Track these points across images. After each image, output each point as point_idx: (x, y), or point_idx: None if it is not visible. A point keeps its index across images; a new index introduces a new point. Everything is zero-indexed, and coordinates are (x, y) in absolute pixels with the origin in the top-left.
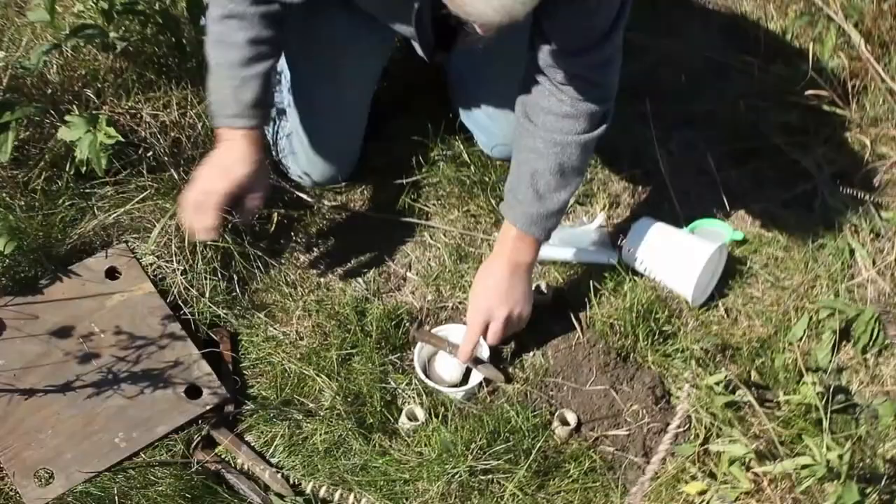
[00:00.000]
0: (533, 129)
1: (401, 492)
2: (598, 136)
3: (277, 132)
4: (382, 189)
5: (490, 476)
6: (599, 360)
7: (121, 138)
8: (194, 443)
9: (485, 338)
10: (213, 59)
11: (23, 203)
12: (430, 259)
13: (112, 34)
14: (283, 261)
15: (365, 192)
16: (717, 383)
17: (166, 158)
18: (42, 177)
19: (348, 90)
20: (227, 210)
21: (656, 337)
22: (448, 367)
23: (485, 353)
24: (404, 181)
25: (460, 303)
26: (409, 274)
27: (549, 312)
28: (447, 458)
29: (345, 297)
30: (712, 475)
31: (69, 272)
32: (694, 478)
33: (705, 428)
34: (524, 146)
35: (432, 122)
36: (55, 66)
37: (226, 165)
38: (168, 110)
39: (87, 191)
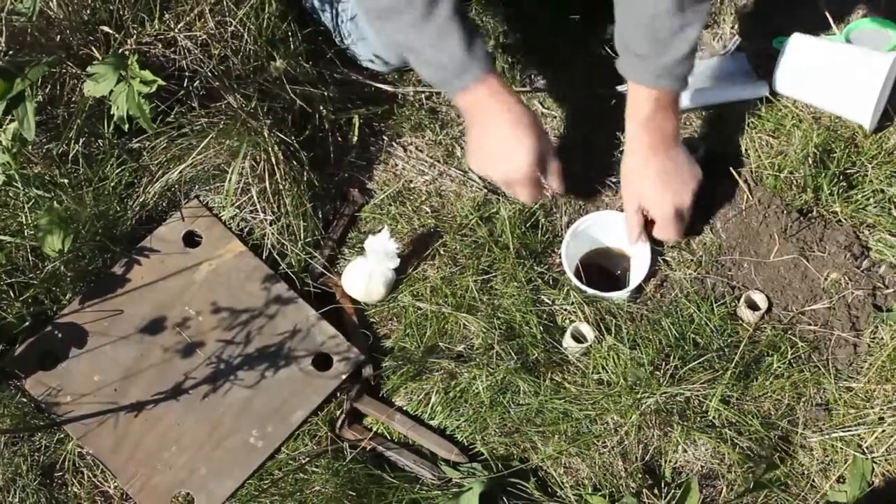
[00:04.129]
0: None
1: (589, 432)
2: None
3: (338, 17)
4: None
5: (689, 393)
6: (779, 223)
7: (161, 81)
8: (339, 422)
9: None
10: (397, 38)
11: (66, 181)
12: (551, 132)
13: None
14: (376, 172)
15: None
16: None
17: (217, 84)
18: (80, 141)
19: None
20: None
21: (840, 182)
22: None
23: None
24: (500, 40)
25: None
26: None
27: (706, 174)
28: (636, 385)
29: (461, 202)
30: None
31: (142, 250)
32: None
33: None
34: None
35: None
36: (56, 1)
37: (501, 151)
38: (203, 21)
39: (135, 146)
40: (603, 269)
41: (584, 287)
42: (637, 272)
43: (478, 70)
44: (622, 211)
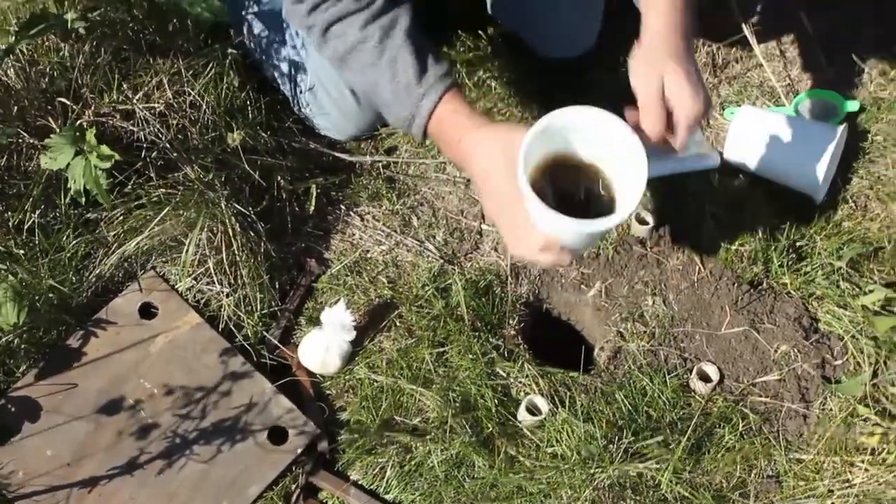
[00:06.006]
0: None
1: None
2: None
3: (297, 86)
4: None
5: (642, 467)
6: (730, 295)
7: (118, 156)
8: (294, 496)
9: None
10: (354, 80)
11: (22, 252)
12: None
13: (70, 16)
14: (334, 242)
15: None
16: (874, 302)
17: (174, 155)
18: (36, 212)
19: None
20: None
21: (790, 254)
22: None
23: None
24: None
25: None
26: (484, 226)
27: (658, 244)
28: (589, 461)
29: (418, 272)
30: (890, 415)
31: (98, 322)
32: (867, 420)
33: (868, 357)
34: None
35: (471, 36)
36: (13, 70)
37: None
38: (161, 91)
39: (92, 217)
40: (561, 193)
41: (548, 210)
42: (627, 194)
43: (434, 94)
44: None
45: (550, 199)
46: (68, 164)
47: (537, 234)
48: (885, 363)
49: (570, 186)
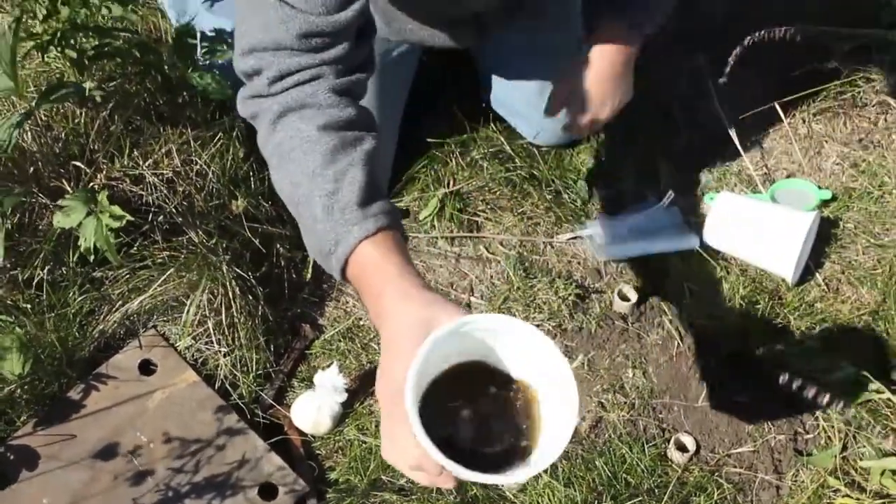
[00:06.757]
0: None
1: None
2: None
3: None
4: (423, 203)
5: None
6: (707, 369)
7: (129, 217)
8: None
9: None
10: (285, 184)
11: (29, 306)
12: (492, 276)
13: (88, 84)
14: (328, 309)
15: (403, 208)
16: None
17: (180, 220)
18: (45, 269)
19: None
20: None
21: (764, 331)
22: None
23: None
24: (446, 190)
25: (538, 325)
26: (472, 298)
27: (639, 320)
28: None
29: None
30: (859, 487)
31: (99, 376)
32: (838, 492)
33: (838, 432)
34: None
35: (467, 119)
36: (30, 133)
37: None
38: (169, 159)
39: (98, 275)
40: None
41: (432, 450)
42: (551, 436)
43: (372, 225)
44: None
45: (463, 413)
46: (80, 222)
47: (414, 449)
48: (854, 437)
49: (489, 405)
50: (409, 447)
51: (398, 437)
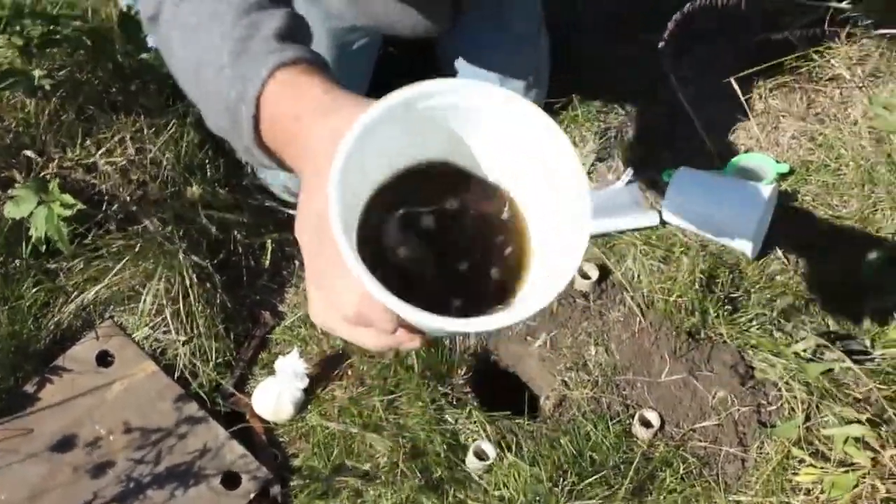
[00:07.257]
0: None
1: None
2: None
3: None
4: None
5: None
6: (669, 345)
7: (80, 205)
8: None
9: None
10: (188, 60)
11: None
12: None
13: (37, 73)
14: (288, 295)
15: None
16: (805, 350)
17: (135, 208)
18: None
19: None
20: None
21: (725, 305)
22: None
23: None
24: None
25: None
26: None
27: (600, 298)
28: (535, 503)
29: None
30: (823, 456)
31: (55, 369)
32: (802, 462)
33: (801, 402)
34: None
35: None
36: None
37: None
38: (123, 148)
39: (52, 266)
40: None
41: (382, 293)
42: (551, 262)
43: (287, 54)
44: None
45: (419, 236)
46: (31, 212)
47: (351, 294)
48: (817, 407)
49: (456, 225)
50: (344, 292)
51: (329, 281)
